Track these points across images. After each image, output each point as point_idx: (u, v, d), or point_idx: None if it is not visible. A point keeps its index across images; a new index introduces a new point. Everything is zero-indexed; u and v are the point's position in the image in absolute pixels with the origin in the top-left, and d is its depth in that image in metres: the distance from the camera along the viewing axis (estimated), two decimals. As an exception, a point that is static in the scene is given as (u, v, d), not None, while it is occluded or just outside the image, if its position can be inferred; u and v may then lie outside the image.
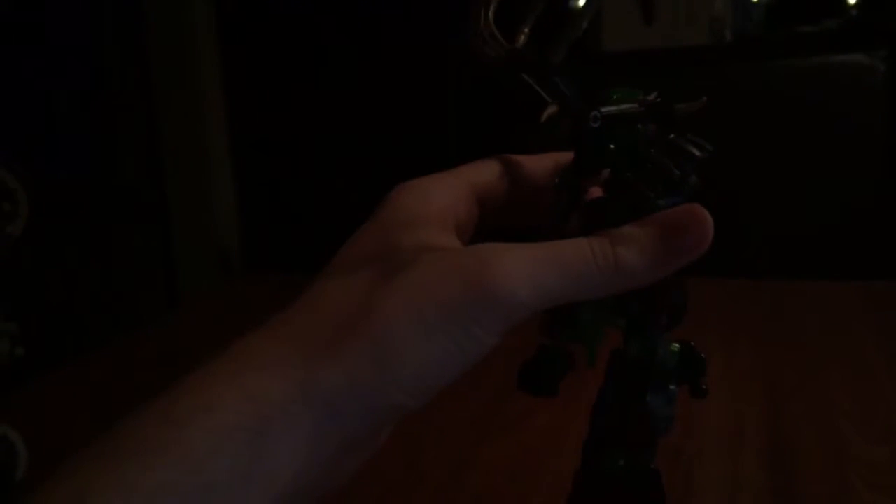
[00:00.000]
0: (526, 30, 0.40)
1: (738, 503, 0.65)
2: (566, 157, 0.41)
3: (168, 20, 1.48)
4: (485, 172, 0.41)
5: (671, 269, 0.36)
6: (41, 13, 1.11)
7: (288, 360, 0.33)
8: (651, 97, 0.39)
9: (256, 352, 0.34)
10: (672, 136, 0.39)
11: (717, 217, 0.38)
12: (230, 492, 0.30)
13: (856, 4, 1.62)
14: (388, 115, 1.59)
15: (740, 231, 1.35)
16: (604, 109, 0.38)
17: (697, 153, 0.39)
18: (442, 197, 0.39)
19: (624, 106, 0.39)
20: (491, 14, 0.38)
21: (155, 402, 0.33)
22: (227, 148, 1.64)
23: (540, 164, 0.43)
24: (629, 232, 0.36)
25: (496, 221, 0.43)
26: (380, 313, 0.33)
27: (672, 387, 0.43)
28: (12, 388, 0.78)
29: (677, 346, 0.43)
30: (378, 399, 0.33)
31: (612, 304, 0.41)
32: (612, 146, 0.39)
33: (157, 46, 1.45)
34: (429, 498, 0.70)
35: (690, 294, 0.44)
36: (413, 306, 0.33)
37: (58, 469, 0.31)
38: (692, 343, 0.43)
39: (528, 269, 0.34)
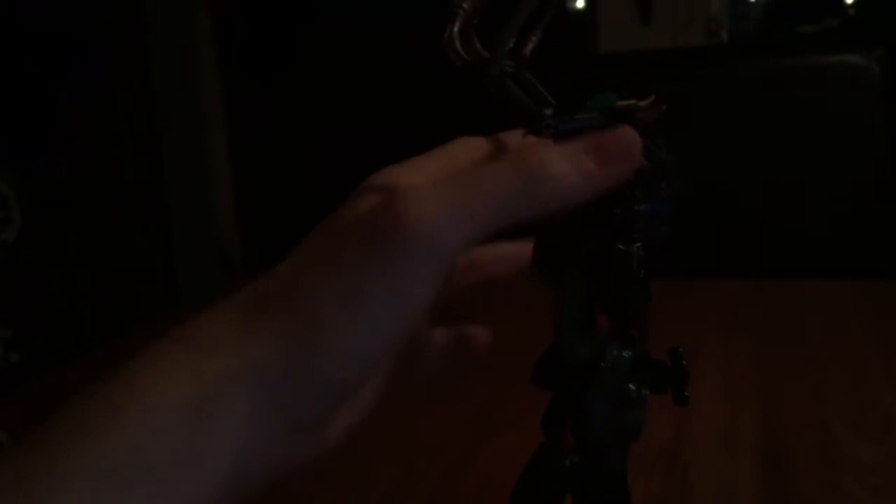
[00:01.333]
0: (534, 38, 0.40)
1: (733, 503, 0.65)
2: None
3: (167, 21, 1.49)
4: (464, 160, 0.38)
5: (601, 182, 0.34)
6: (41, 15, 1.12)
7: (226, 337, 0.33)
8: (645, 102, 0.40)
9: (200, 330, 0.33)
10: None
11: (715, 218, 0.38)
12: (173, 471, 0.30)
13: (853, 4, 1.62)
14: (388, 115, 1.59)
15: (738, 231, 1.35)
16: (556, 120, 0.38)
17: (665, 159, 0.40)
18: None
19: (582, 115, 0.39)
20: (456, 29, 0.39)
21: (100, 386, 0.33)
22: (226, 148, 1.64)
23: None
24: (562, 160, 0.34)
25: None
26: (303, 283, 0.32)
27: (642, 391, 0.43)
28: (8, 392, 0.78)
29: (629, 352, 0.43)
30: (311, 374, 0.32)
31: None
32: None
33: (157, 47, 1.45)
34: (429, 496, 0.70)
35: (689, 294, 0.44)
36: (331, 271, 0.32)
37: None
38: (680, 350, 0.43)
39: (444, 201, 0.31)
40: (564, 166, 0.33)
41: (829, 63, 1.45)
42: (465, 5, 0.38)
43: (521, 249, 0.41)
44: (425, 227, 0.30)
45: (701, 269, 1.05)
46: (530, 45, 0.40)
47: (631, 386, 0.43)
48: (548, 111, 0.39)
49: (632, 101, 0.40)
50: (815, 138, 1.42)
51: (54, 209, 0.80)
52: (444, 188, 0.31)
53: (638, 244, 0.40)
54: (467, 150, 0.39)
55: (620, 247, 0.40)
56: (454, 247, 0.31)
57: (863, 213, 1.40)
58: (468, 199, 0.31)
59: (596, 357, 0.42)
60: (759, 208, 1.39)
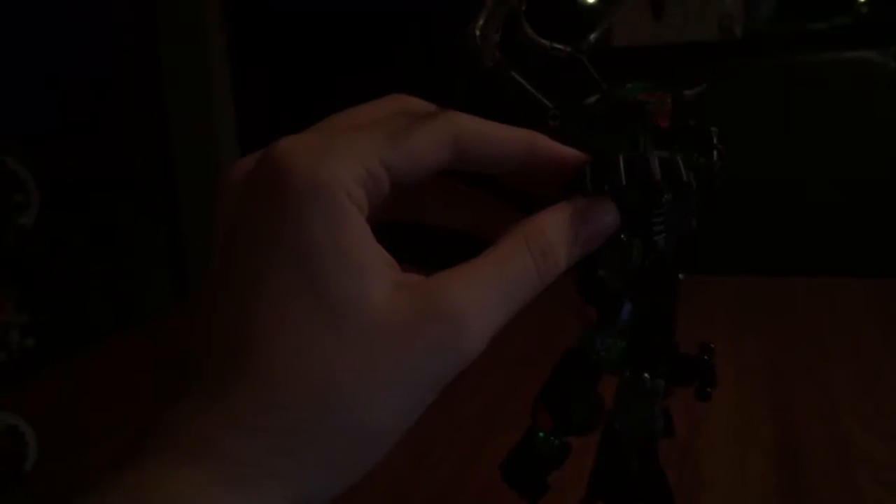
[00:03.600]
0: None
1: (745, 499, 0.65)
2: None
3: (178, 15, 1.49)
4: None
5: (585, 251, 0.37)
6: (54, 9, 1.12)
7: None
8: (690, 92, 0.40)
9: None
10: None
11: (725, 214, 0.38)
12: None
13: (866, 2, 1.61)
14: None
15: (749, 227, 1.35)
16: (562, 110, 0.39)
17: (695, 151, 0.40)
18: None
19: (589, 105, 0.40)
20: (479, 24, 0.39)
21: None
22: (236, 140, 1.64)
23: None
24: (557, 239, 0.35)
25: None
26: (330, 395, 0.28)
27: (656, 383, 0.43)
28: (22, 378, 0.78)
29: (623, 343, 0.43)
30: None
31: None
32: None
33: (167, 41, 1.46)
34: (438, 491, 0.70)
35: (700, 291, 0.44)
36: (375, 381, 0.29)
37: None
38: (712, 346, 0.43)
39: (492, 315, 0.32)
40: (566, 265, 0.35)
41: (844, 59, 1.44)
42: (488, 1, 0.38)
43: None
44: (476, 350, 0.32)
45: (711, 265, 1.05)
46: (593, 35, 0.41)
47: (645, 376, 0.43)
48: (552, 103, 0.39)
49: (647, 96, 0.40)
50: (828, 135, 1.42)
51: (66, 199, 0.81)
52: (490, 311, 0.32)
53: (661, 235, 0.40)
54: (389, 109, 0.37)
55: (622, 237, 0.40)
56: (484, 338, 0.32)
57: (876, 209, 1.39)
58: (502, 316, 0.33)
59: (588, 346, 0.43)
60: (769, 204, 1.39)
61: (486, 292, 0.32)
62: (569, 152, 0.39)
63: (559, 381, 0.44)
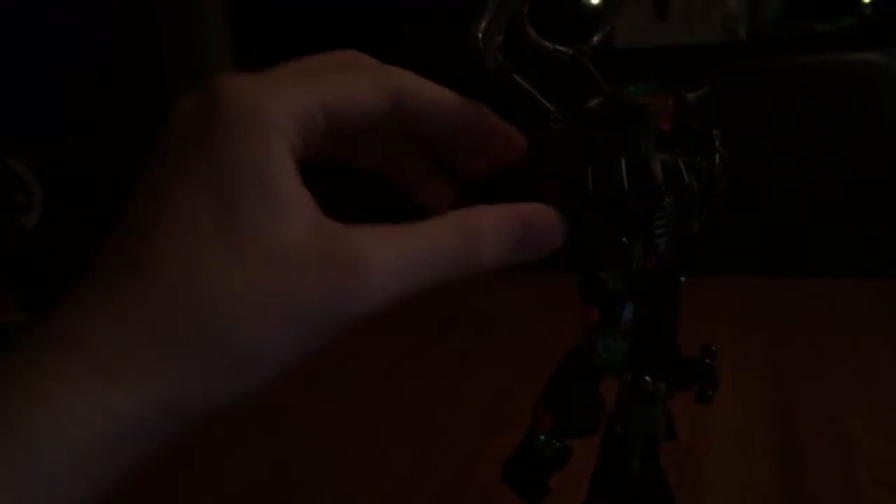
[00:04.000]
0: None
1: (747, 501, 0.65)
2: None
3: (180, 14, 1.49)
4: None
5: (518, 259, 0.36)
6: (54, 9, 1.12)
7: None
8: (692, 95, 0.40)
9: (104, 352, 0.28)
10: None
11: (728, 214, 0.38)
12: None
13: (870, 3, 1.61)
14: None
15: (751, 228, 1.34)
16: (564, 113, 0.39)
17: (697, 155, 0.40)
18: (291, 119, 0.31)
19: (591, 106, 0.40)
20: (483, 24, 0.39)
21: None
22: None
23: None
24: (490, 233, 0.34)
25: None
26: (220, 308, 0.28)
27: (657, 385, 0.43)
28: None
29: (624, 345, 0.43)
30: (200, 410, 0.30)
31: None
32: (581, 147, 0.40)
33: (169, 40, 1.46)
34: (438, 490, 0.70)
35: (700, 293, 0.44)
36: (265, 307, 0.28)
37: None
38: (714, 348, 0.44)
39: (395, 276, 0.31)
40: (495, 262, 0.34)
41: (848, 61, 1.44)
42: (490, 4, 0.38)
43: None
44: (375, 305, 0.31)
45: (712, 266, 1.04)
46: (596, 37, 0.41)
47: (647, 378, 0.44)
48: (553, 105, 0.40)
49: (649, 99, 0.40)
50: (832, 136, 1.42)
51: (66, 199, 0.81)
52: (401, 269, 0.31)
53: (663, 238, 0.40)
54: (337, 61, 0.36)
55: (623, 240, 0.40)
56: (383, 298, 0.31)
57: (878, 210, 1.39)
58: (414, 284, 0.32)
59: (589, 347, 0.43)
60: (771, 205, 1.39)
61: (397, 254, 0.31)
62: (511, 130, 0.39)
63: (561, 382, 0.44)
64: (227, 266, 0.28)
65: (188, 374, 0.28)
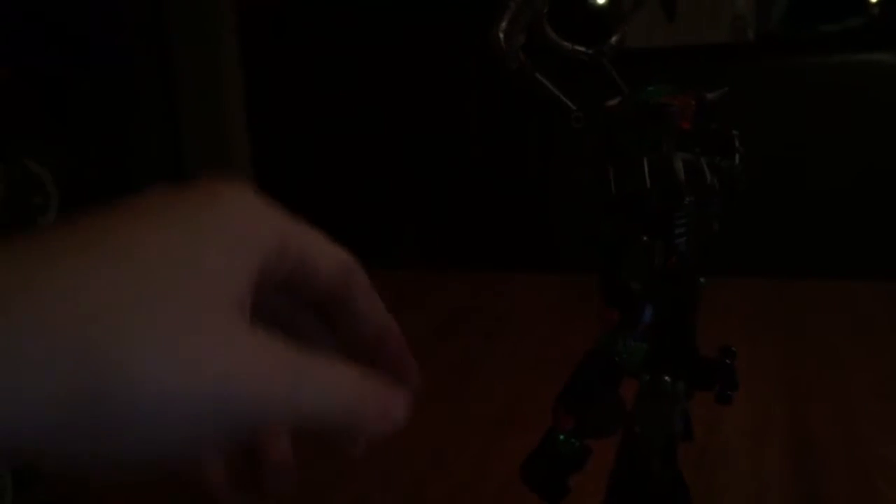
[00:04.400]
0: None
1: (762, 502, 0.65)
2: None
3: (191, 17, 1.49)
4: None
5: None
6: (66, 11, 1.13)
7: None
8: (712, 95, 0.40)
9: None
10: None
11: (740, 216, 0.38)
12: None
13: (878, 3, 1.61)
14: (409, 107, 1.59)
15: (763, 230, 1.34)
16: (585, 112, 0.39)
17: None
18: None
19: (612, 106, 0.40)
20: (504, 24, 0.39)
21: None
22: (247, 138, 1.65)
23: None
24: (324, 383, 0.30)
25: None
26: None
27: (677, 385, 0.43)
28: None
29: (644, 345, 0.43)
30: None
31: None
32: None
33: (180, 43, 1.46)
34: (454, 489, 0.70)
35: (715, 294, 0.44)
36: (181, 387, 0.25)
37: None
38: (733, 349, 0.44)
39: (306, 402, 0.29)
40: (325, 399, 0.30)
41: (857, 61, 1.44)
42: (512, 4, 0.38)
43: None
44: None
45: (727, 268, 1.04)
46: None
47: (666, 378, 0.44)
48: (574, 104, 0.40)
49: (670, 99, 0.40)
50: (841, 137, 1.41)
51: (79, 199, 0.81)
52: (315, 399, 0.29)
53: (683, 238, 0.40)
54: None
55: (644, 239, 0.40)
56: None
57: (888, 211, 1.39)
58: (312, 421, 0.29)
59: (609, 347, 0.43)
60: (782, 206, 1.39)
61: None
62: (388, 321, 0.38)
63: (580, 382, 0.44)
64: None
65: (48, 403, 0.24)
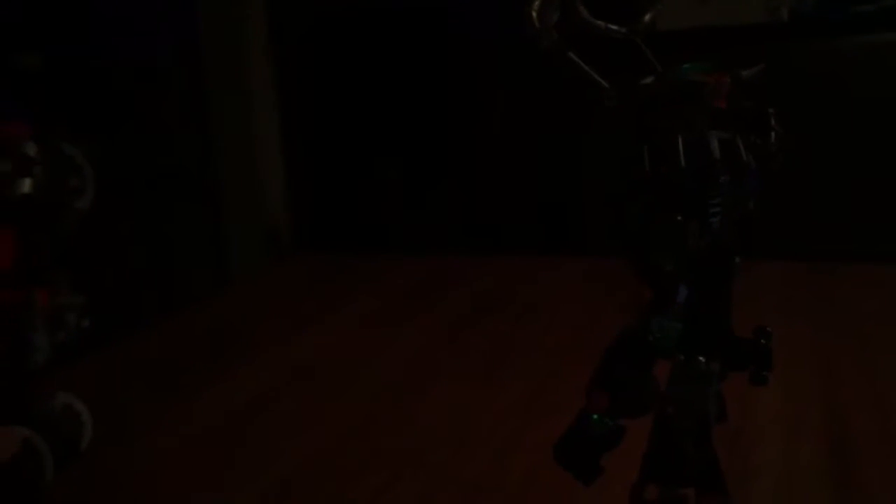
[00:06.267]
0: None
1: (795, 486, 0.64)
2: None
3: (218, 2, 1.50)
4: None
5: None
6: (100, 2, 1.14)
7: None
8: (748, 73, 0.40)
9: None
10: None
11: (774, 199, 0.37)
12: None
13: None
14: (436, 95, 1.59)
15: (798, 213, 1.32)
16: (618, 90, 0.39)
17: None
18: None
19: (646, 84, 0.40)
20: (536, 5, 0.39)
21: None
22: (277, 128, 1.65)
23: None
24: None
25: None
26: None
27: (711, 366, 0.43)
28: (72, 359, 0.80)
29: (678, 325, 0.42)
30: None
31: None
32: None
33: (208, 26, 1.47)
34: (478, 478, 0.70)
35: (750, 275, 0.44)
36: None
37: None
38: (768, 329, 0.43)
39: None
40: None
41: (889, 42, 1.41)
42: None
43: None
44: None
45: (762, 249, 1.03)
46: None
47: (700, 359, 0.43)
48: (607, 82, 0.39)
49: (705, 77, 0.40)
50: (875, 118, 1.39)
51: (110, 186, 0.82)
52: None
53: (717, 217, 0.40)
54: None
55: (678, 218, 0.40)
56: None
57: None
58: None
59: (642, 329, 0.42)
60: (817, 189, 1.37)
61: None
62: None
63: (613, 363, 0.44)
64: None
65: None
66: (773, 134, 0.41)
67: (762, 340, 0.43)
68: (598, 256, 1.03)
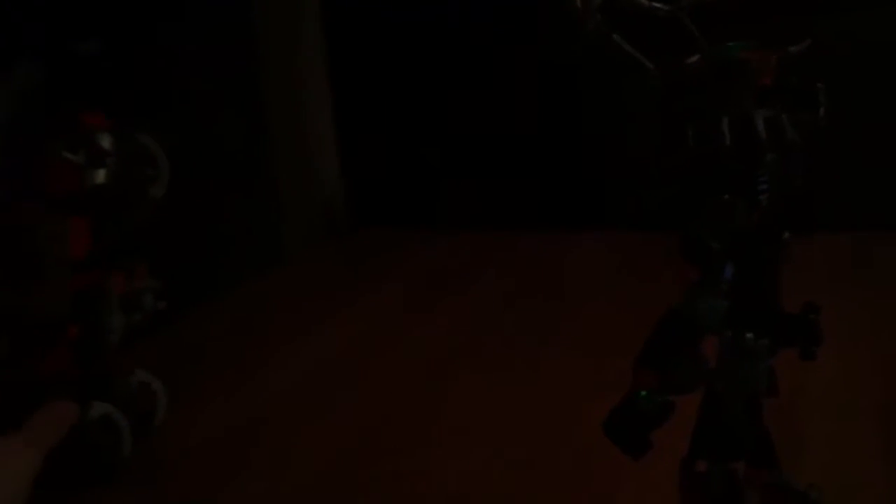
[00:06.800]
0: None
1: (847, 461, 0.64)
2: None
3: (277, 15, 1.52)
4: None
5: None
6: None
7: None
8: (794, 48, 0.40)
9: None
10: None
11: (824, 170, 0.37)
12: None
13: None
14: (487, 68, 1.59)
15: (848, 184, 1.30)
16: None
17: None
18: None
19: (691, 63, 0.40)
20: None
21: None
22: (330, 105, 1.67)
23: None
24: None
25: None
26: None
27: (759, 342, 0.43)
28: (142, 338, 0.83)
29: (725, 302, 0.43)
30: None
31: None
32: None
33: (260, 3, 1.48)
34: (528, 455, 0.72)
35: (804, 249, 0.44)
36: None
37: None
38: (817, 305, 0.44)
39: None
40: None
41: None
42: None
43: None
44: None
45: (812, 225, 1.02)
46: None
47: (749, 335, 0.44)
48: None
49: (749, 54, 0.40)
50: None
51: (183, 171, 0.85)
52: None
53: (765, 194, 0.40)
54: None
55: (725, 197, 0.40)
56: None
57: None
58: None
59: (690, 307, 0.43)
60: (867, 161, 1.34)
61: None
62: None
63: (660, 340, 0.45)
64: None
65: None
66: (821, 109, 0.41)
67: (811, 315, 0.44)
68: (645, 231, 1.03)
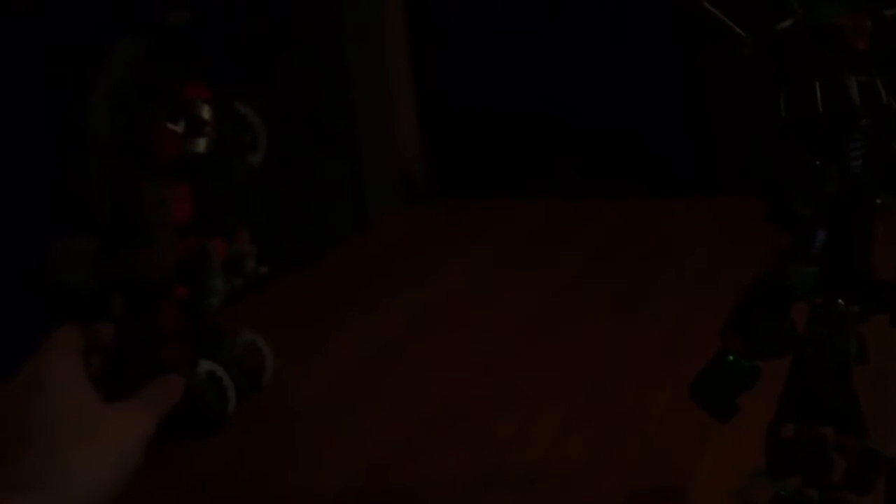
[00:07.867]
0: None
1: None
2: None
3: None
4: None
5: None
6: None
7: None
8: (891, 11, 0.39)
9: None
10: None
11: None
12: None
13: None
14: (569, 36, 1.57)
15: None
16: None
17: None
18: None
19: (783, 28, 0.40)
20: None
21: None
22: (409, 70, 1.68)
23: None
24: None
25: None
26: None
27: (851, 308, 0.43)
28: (252, 296, 0.86)
29: (815, 269, 0.42)
30: None
31: None
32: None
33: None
34: (616, 416, 0.73)
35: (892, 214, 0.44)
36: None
37: None
38: None
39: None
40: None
41: None
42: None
43: None
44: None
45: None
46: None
47: (840, 301, 0.44)
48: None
49: (843, 18, 0.39)
50: None
51: (279, 139, 0.88)
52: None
53: (859, 161, 0.40)
54: None
55: (817, 163, 0.40)
56: None
57: None
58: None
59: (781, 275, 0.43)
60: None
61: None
62: None
63: (749, 305, 0.45)
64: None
65: None
66: None
67: None
68: (731, 196, 1.01)
